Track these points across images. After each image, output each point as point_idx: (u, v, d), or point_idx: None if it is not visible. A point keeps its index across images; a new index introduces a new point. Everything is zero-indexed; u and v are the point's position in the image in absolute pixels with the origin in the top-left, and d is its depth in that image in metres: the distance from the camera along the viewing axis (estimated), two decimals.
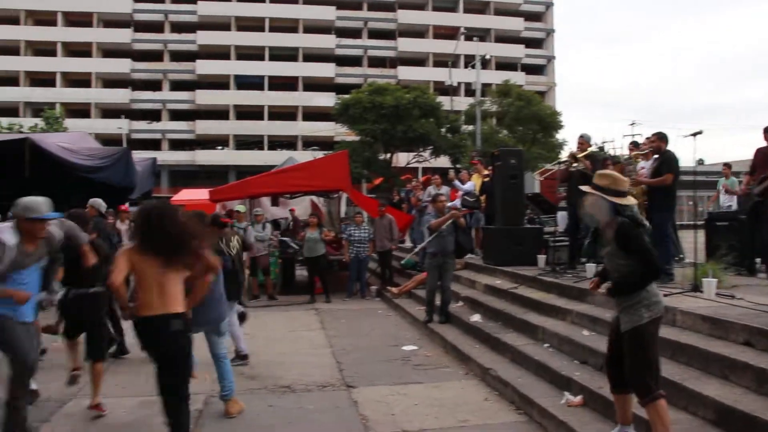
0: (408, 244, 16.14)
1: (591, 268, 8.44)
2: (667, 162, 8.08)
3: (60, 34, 55.38)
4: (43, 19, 55.40)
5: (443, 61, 51.16)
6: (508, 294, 9.25)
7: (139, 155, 15.30)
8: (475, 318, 8.96)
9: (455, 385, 6.90)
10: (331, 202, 15.60)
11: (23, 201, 4.85)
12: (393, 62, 58.62)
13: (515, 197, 11.19)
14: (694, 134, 7.11)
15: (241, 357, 7.71)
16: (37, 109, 49.61)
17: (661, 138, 8.22)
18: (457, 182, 13.35)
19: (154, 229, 4.50)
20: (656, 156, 8.28)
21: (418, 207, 14.58)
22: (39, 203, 4.88)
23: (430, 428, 5.57)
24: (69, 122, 40.43)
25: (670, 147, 8.19)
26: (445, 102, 37.62)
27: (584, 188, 4.54)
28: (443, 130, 36.10)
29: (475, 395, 6.53)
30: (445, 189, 13.71)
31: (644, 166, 9.30)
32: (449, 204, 11.63)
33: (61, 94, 53.39)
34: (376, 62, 58.69)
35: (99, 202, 9.82)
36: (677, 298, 6.55)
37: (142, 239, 4.55)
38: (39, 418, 5.92)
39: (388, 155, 36.43)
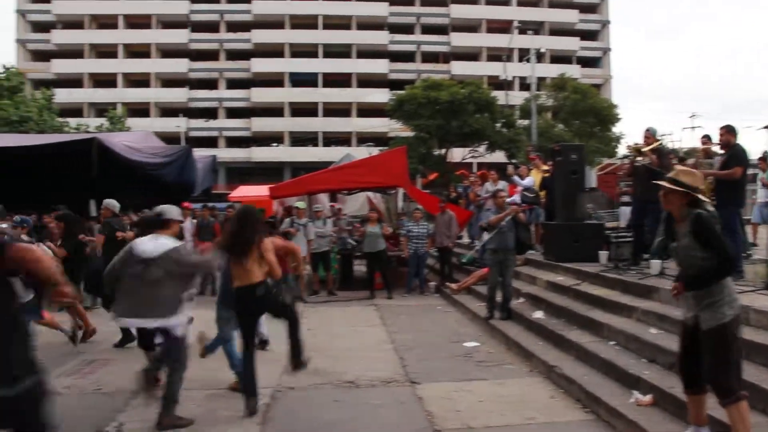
0: (465, 239, 16.07)
1: (656, 264, 8.25)
2: (735, 155, 7.88)
3: (121, 36, 56.93)
4: (106, 22, 57.07)
5: (497, 55, 50.84)
6: (570, 291, 9.13)
7: (198, 153, 15.61)
8: (538, 315, 8.88)
9: (519, 382, 6.86)
10: (389, 198, 15.63)
11: None
12: (446, 57, 58.44)
13: (576, 192, 11.03)
14: (767, 127, 6.90)
15: (262, 342, 7.75)
16: (100, 109, 51.16)
17: (729, 131, 8.02)
18: (516, 177, 13.23)
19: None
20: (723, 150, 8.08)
21: (477, 202, 14.50)
22: None
23: (496, 425, 5.55)
24: (130, 121, 41.51)
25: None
26: (500, 97, 37.31)
27: (664, 183, 4.46)
28: (498, 125, 35.82)
29: (541, 392, 6.48)
30: (502, 184, 13.60)
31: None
32: (508, 200, 11.54)
33: (122, 94, 54.98)
34: (430, 57, 58.57)
35: (113, 203, 9.99)
36: (750, 297, 6.36)
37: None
38: (112, 407, 6.13)
39: (443, 151, 36.32)
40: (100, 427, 5.60)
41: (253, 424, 5.63)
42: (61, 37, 56.94)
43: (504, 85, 40.40)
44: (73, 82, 54.95)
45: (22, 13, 58.24)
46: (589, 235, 10.73)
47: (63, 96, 43.13)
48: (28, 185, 13.58)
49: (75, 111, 49.25)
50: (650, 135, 9.17)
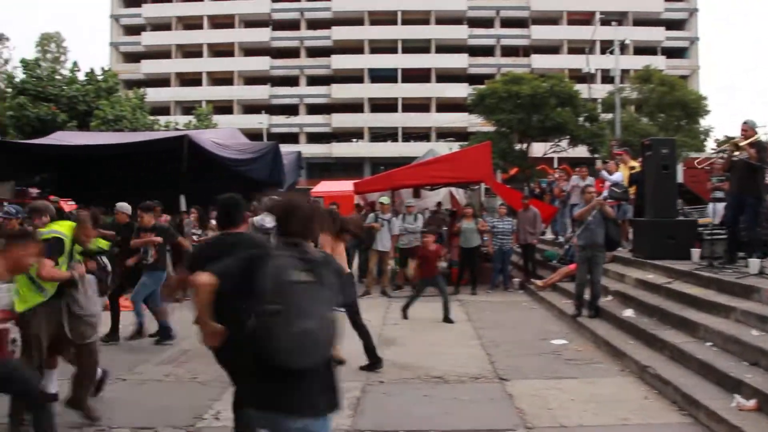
0: (549, 236, 15.86)
1: (755, 263, 7.97)
2: None
3: (205, 36, 58.67)
4: (191, 23, 58.93)
5: (578, 47, 49.72)
6: (661, 289, 8.89)
7: (283, 149, 15.91)
8: (628, 313, 8.68)
9: (611, 382, 6.74)
10: (472, 193, 15.59)
11: None
12: (526, 51, 57.59)
13: (667, 188, 10.73)
14: None
15: None
16: (186, 107, 52.93)
17: None
18: (604, 173, 12.95)
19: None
20: None
21: (562, 198, 14.28)
22: None
23: (589, 425, 5.49)
24: (214, 118, 42.64)
25: None
26: (582, 90, 36.52)
27: None
28: (581, 119, 35.10)
29: (634, 393, 6.35)
30: (589, 180, 13.35)
31: None
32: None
33: (206, 92, 56.60)
34: (509, 51, 57.84)
35: (125, 207, 9.88)
36: None
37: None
38: (208, 396, 6.37)
39: (524, 146, 35.89)
40: (198, 415, 5.83)
41: (345, 417, 5.74)
42: (150, 39, 59.14)
43: (586, 78, 39.47)
44: (161, 81, 57.04)
45: (115, 17, 60.90)
46: (681, 232, 10.43)
47: (152, 95, 44.67)
48: (125, 181, 14.15)
49: (163, 109, 51.05)
50: (749, 128, 8.78)
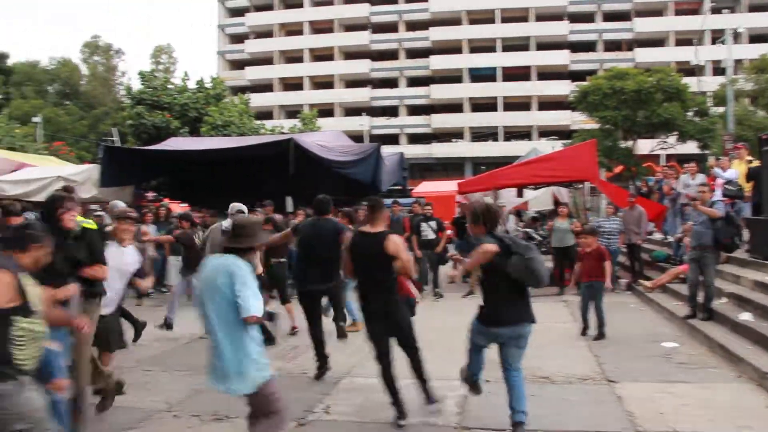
0: (658, 236, 15.35)
1: None
2: None
3: (306, 41, 60.08)
4: (293, 29, 60.57)
5: (685, 39, 47.71)
6: None
7: (386, 150, 16.12)
8: (745, 317, 8.31)
9: (727, 388, 6.51)
10: (576, 192, 15.28)
11: None
12: (630, 45, 55.69)
13: None
14: None
15: None
16: (289, 111, 54.37)
17: None
18: (717, 170, 12.45)
19: None
20: None
21: (671, 196, 13.81)
22: None
23: None
24: (317, 121, 43.62)
25: None
26: (691, 83, 34.97)
27: None
28: (690, 113, 33.63)
29: (753, 400, 6.10)
30: (700, 177, 12.85)
31: None
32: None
33: (308, 96, 57.98)
34: (612, 46, 56.17)
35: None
36: None
37: None
38: (318, 390, 6.59)
39: (630, 143, 34.77)
40: (309, 408, 6.04)
41: (453, 414, 5.81)
42: (254, 46, 61.17)
43: (695, 70, 37.80)
44: (264, 86, 58.90)
45: (221, 27, 63.57)
46: None
47: (256, 100, 46.11)
48: (235, 183, 14.74)
49: (267, 113, 52.65)
50: None
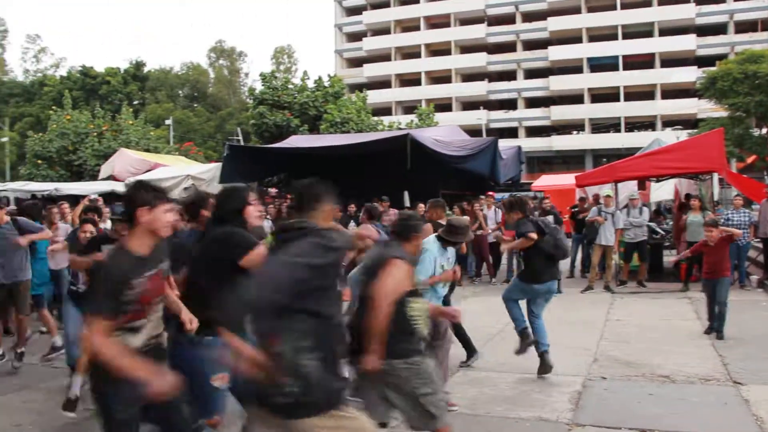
0: None
1: None
2: None
3: (423, 37, 60.39)
4: (409, 26, 61.02)
5: None
6: None
7: (503, 144, 16.00)
8: None
9: None
10: (702, 184, 14.56)
11: None
12: (765, 24, 52.11)
13: None
14: None
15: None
16: (406, 107, 54.81)
17: None
18: None
19: None
20: None
21: None
22: None
23: None
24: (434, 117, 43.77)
25: None
26: None
27: None
28: None
29: None
30: None
31: None
32: None
33: (425, 91, 58.25)
34: (745, 27, 52.70)
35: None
36: None
37: None
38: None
39: (763, 130, 32.68)
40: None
41: (566, 410, 5.74)
42: (371, 44, 62.13)
43: None
44: (382, 83, 59.67)
45: (339, 26, 65.09)
46: None
47: (374, 97, 46.76)
48: (354, 179, 15.08)
49: (385, 110, 53.32)
50: None
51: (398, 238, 4.34)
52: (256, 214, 4.23)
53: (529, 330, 6.82)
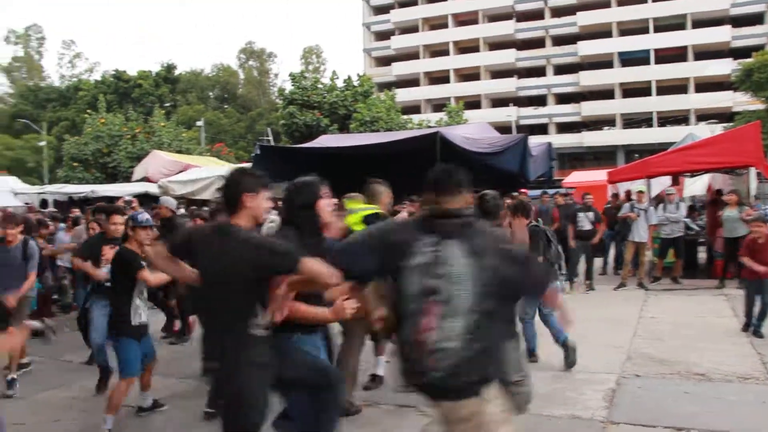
0: None
1: None
2: None
3: (451, 34, 60.22)
4: (436, 23, 60.92)
5: None
6: None
7: (534, 140, 15.88)
8: None
9: None
10: (738, 179, 14.30)
11: None
12: None
13: None
14: None
15: None
16: (435, 105, 54.74)
17: None
18: None
19: None
20: None
21: None
22: None
23: None
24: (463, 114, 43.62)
25: None
26: None
27: None
28: None
29: None
30: None
31: None
32: None
33: (454, 89, 58.03)
34: None
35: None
36: None
37: None
38: None
39: None
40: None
41: (600, 408, 5.70)
42: (399, 42, 62.06)
43: None
44: (410, 81, 59.63)
45: (367, 25, 65.17)
46: None
47: (403, 95, 46.79)
48: (383, 177, 15.07)
49: (414, 108, 53.26)
50: None
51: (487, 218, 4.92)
52: (329, 208, 3.99)
53: (570, 339, 6.89)
